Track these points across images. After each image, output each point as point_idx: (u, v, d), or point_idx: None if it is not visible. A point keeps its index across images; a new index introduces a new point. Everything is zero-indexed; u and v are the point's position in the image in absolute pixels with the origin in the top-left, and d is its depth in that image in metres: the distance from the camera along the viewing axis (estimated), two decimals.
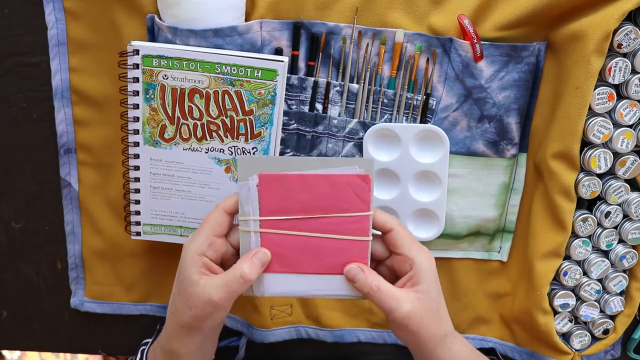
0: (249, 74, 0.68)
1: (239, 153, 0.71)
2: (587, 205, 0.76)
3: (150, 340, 0.73)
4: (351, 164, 0.57)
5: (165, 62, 0.68)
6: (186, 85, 0.68)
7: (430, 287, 0.59)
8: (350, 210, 0.58)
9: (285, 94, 0.72)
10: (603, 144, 0.72)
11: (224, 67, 0.67)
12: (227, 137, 0.71)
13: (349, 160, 0.57)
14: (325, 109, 0.74)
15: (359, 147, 0.74)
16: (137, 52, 0.67)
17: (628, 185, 0.73)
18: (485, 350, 0.80)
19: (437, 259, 0.78)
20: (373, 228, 0.59)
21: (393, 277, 0.62)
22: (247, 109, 0.69)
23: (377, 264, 0.63)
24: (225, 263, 0.61)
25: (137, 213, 0.74)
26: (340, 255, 0.59)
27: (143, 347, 0.72)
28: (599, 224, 0.75)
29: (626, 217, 0.75)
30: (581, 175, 0.72)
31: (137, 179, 0.73)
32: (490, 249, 0.80)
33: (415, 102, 0.73)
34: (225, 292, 0.56)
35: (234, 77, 0.68)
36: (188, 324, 0.59)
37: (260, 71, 0.68)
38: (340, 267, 0.59)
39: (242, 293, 0.58)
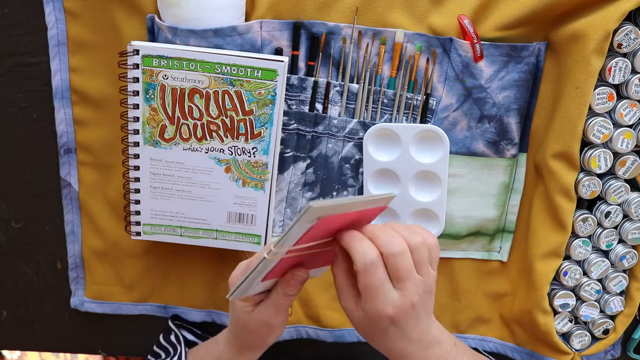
0: (249, 74, 0.68)
1: (239, 153, 0.71)
2: (587, 205, 0.76)
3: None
4: (382, 202, 0.56)
5: (165, 62, 0.68)
6: (186, 85, 0.68)
7: (364, 324, 0.57)
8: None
9: (285, 94, 0.72)
10: (603, 144, 0.72)
11: (224, 67, 0.67)
12: (227, 137, 0.71)
13: (381, 200, 0.56)
14: (325, 109, 0.74)
15: (359, 147, 0.74)
16: (137, 52, 0.67)
17: (628, 185, 0.73)
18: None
19: None
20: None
21: None
22: (247, 109, 0.69)
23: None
24: None
25: (137, 213, 0.74)
26: (322, 258, 0.60)
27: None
28: (599, 224, 0.75)
29: (626, 217, 0.75)
30: (581, 175, 0.72)
31: (137, 179, 0.73)
32: (490, 249, 0.80)
33: (415, 102, 0.73)
34: (274, 309, 0.61)
35: (234, 77, 0.68)
36: (251, 345, 0.66)
37: (260, 71, 0.68)
38: (319, 264, 0.61)
39: (229, 297, 0.60)
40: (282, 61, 0.67)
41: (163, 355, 0.76)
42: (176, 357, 0.73)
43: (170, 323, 0.81)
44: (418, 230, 0.56)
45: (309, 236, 0.56)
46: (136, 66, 0.68)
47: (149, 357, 0.78)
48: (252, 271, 0.57)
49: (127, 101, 0.70)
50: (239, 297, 0.61)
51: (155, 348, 0.80)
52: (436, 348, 0.61)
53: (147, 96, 0.69)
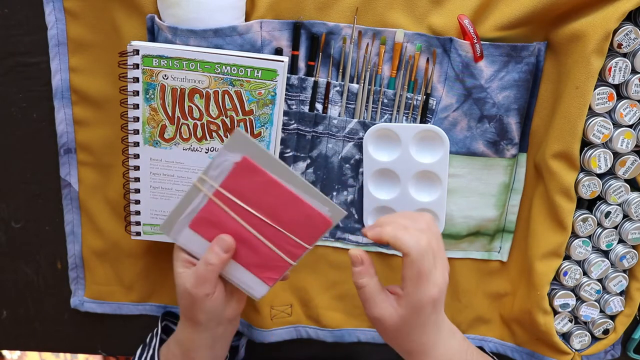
0: (249, 74, 0.68)
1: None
2: (587, 205, 0.76)
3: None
4: (326, 204, 0.58)
5: (165, 62, 0.68)
6: (186, 85, 0.68)
7: (408, 317, 0.59)
8: (297, 235, 0.60)
9: (285, 94, 0.72)
10: (603, 144, 0.72)
11: (224, 67, 0.67)
12: (227, 137, 0.71)
13: (326, 201, 0.58)
14: (325, 109, 0.74)
15: (359, 147, 0.74)
16: (137, 52, 0.67)
17: (628, 185, 0.73)
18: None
19: None
20: (396, 247, 0.59)
21: None
22: (247, 109, 0.69)
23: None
24: None
25: (137, 213, 0.74)
26: (261, 260, 0.62)
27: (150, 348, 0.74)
28: (599, 224, 0.75)
29: (626, 217, 0.75)
30: (581, 175, 0.72)
31: (137, 179, 0.73)
32: (490, 249, 0.80)
33: (415, 102, 0.73)
34: (194, 278, 0.61)
35: (234, 77, 0.68)
36: (185, 316, 0.64)
37: (260, 71, 0.68)
38: (255, 268, 0.62)
39: (161, 230, 0.63)
40: (282, 61, 0.67)
41: (139, 351, 0.76)
42: (151, 351, 0.73)
43: (159, 318, 0.81)
44: (417, 215, 0.61)
45: (236, 185, 0.59)
46: (136, 66, 0.68)
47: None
48: (181, 199, 0.61)
49: (127, 101, 0.70)
50: (167, 233, 0.63)
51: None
52: (457, 335, 0.65)
53: (147, 96, 0.69)
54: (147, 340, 0.77)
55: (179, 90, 0.69)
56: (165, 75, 0.68)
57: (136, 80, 0.69)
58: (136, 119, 0.70)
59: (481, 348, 0.82)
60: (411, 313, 0.59)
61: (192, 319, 0.64)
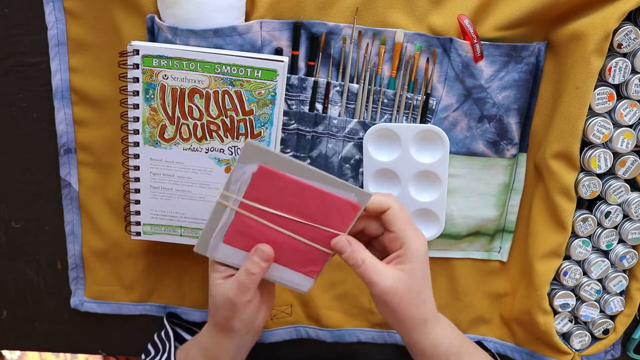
0: (249, 74, 0.68)
1: (239, 153, 0.71)
2: (587, 205, 0.76)
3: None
4: (350, 190, 0.59)
5: (165, 62, 0.68)
6: (186, 85, 0.68)
7: (416, 269, 0.60)
8: (329, 226, 0.60)
9: (285, 94, 0.72)
10: (603, 144, 0.72)
11: (224, 67, 0.67)
12: (227, 137, 0.71)
13: (349, 187, 0.59)
14: (325, 109, 0.74)
15: (359, 147, 0.74)
16: (137, 52, 0.67)
17: (628, 185, 0.73)
18: None
19: (437, 259, 0.79)
20: (369, 209, 0.61)
21: (384, 254, 0.63)
22: (247, 109, 0.69)
23: (370, 239, 0.64)
24: None
25: (137, 213, 0.74)
26: (301, 257, 0.62)
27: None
28: (599, 224, 0.75)
29: (626, 217, 0.75)
30: (581, 175, 0.72)
31: (137, 179, 0.73)
32: (490, 249, 0.80)
33: (415, 102, 0.73)
34: (236, 287, 0.61)
35: (234, 77, 0.68)
36: (219, 324, 0.65)
37: (260, 71, 0.68)
38: (297, 265, 0.63)
39: (196, 250, 0.63)
40: (282, 61, 0.67)
41: (153, 353, 0.76)
42: (166, 354, 0.73)
43: (165, 320, 0.81)
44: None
45: (259, 193, 0.59)
46: (136, 66, 0.68)
47: (142, 356, 0.78)
48: (209, 218, 0.61)
49: (127, 101, 0.70)
50: (203, 252, 0.64)
51: (148, 346, 0.80)
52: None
53: (147, 96, 0.69)
54: (157, 340, 0.77)
55: (179, 90, 0.69)
56: (165, 75, 0.68)
57: (136, 80, 0.69)
58: (136, 119, 0.70)
59: (479, 342, 0.82)
60: (417, 263, 0.59)
61: (226, 327, 0.64)
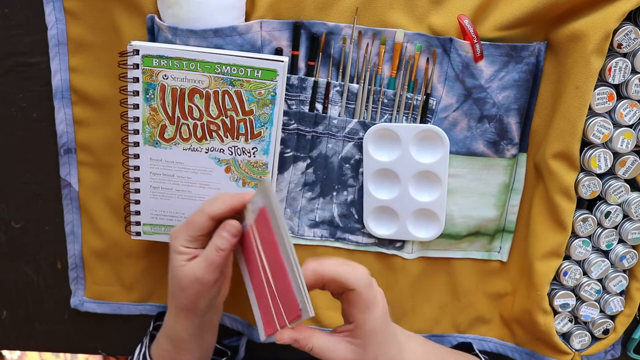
0: (249, 74, 0.68)
1: (239, 153, 0.71)
2: (587, 205, 0.76)
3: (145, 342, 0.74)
4: (298, 294, 0.56)
5: (165, 62, 0.68)
6: (186, 85, 0.68)
7: (367, 344, 0.60)
8: (283, 304, 0.59)
9: (285, 94, 0.72)
10: (603, 144, 0.72)
11: (224, 67, 0.67)
12: (227, 137, 0.71)
13: (299, 291, 0.56)
14: (325, 109, 0.74)
15: (359, 147, 0.74)
16: (137, 52, 0.67)
17: (628, 185, 0.73)
18: (463, 346, 0.81)
19: (437, 259, 0.79)
20: (334, 286, 0.59)
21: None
22: (247, 109, 0.69)
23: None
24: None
25: (137, 213, 0.74)
26: (266, 305, 0.61)
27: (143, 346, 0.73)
28: (599, 224, 0.75)
29: (626, 217, 0.75)
30: (581, 175, 0.72)
31: (137, 179, 0.73)
32: (490, 249, 0.80)
33: (415, 102, 0.73)
34: (205, 265, 0.62)
35: (234, 77, 0.68)
36: (185, 306, 0.64)
37: (260, 71, 0.68)
38: (263, 309, 0.62)
39: None
40: (282, 61, 0.67)
41: (136, 351, 0.76)
42: (144, 348, 0.73)
43: (153, 318, 0.81)
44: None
45: (260, 229, 0.60)
46: (136, 66, 0.68)
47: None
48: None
49: (127, 101, 0.70)
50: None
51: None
52: (417, 338, 0.68)
53: (147, 96, 0.69)
54: (143, 339, 0.77)
55: (179, 90, 0.69)
56: (165, 75, 0.68)
57: (136, 80, 0.69)
58: (136, 119, 0.70)
59: (469, 345, 0.82)
60: (371, 340, 0.60)
61: (191, 308, 0.64)
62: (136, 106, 0.70)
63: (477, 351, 0.79)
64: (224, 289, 0.68)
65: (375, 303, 0.59)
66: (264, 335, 0.63)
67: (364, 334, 0.59)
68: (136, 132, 0.71)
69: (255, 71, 0.68)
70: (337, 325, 0.82)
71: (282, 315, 0.59)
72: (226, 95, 0.69)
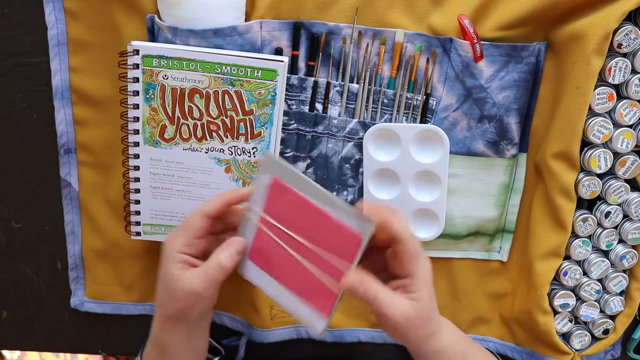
0: (249, 74, 0.68)
1: (239, 153, 0.71)
2: (587, 205, 0.76)
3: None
4: (352, 217, 0.55)
5: (165, 62, 0.68)
6: (186, 85, 0.68)
7: (424, 296, 0.59)
8: (335, 254, 0.57)
9: (285, 94, 0.72)
10: (603, 144, 0.72)
11: (224, 67, 0.67)
12: (227, 137, 0.71)
13: (351, 213, 0.55)
14: (325, 109, 0.74)
15: (359, 147, 0.74)
16: (137, 52, 0.67)
17: (628, 185, 0.73)
18: None
19: (437, 259, 0.79)
20: (382, 234, 0.57)
21: (383, 267, 0.62)
22: (247, 109, 0.69)
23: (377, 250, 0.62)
24: (207, 255, 0.62)
25: (137, 213, 0.74)
26: (311, 286, 0.59)
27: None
28: (599, 224, 0.75)
29: (626, 217, 0.75)
30: (581, 175, 0.72)
31: (137, 179, 0.73)
32: (490, 249, 0.80)
33: (415, 102, 0.73)
34: (205, 281, 0.59)
35: (234, 77, 0.68)
36: (174, 316, 0.63)
37: (260, 71, 0.68)
38: (306, 294, 0.59)
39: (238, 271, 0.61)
40: (282, 61, 0.67)
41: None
42: (139, 356, 0.72)
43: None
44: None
45: (277, 209, 0.58)
46: (136, 66, 0.68)
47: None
48: (238, 231, 0.61)
49: (127, 101, 0.70)
50: (240, 271, 0.63)
51: None
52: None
53: (147, 96, 0.69)
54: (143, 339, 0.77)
55: (179, 90, 0.69)
56: (165, 75, 0.68)
57: (136, 80, 0.69)
58: (136, 119, 0.70)
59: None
60: (424, 291, 0.59)
61: (182, 318, 0.63)
62: (136, 106, 0.70)
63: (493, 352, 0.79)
64: (216, 297, 0.65)
65: (422, 252, 0.59)
66: (323, 324, 0.59)
67: (420, 285, 0.58)
68: (136, 132, 0.71)
69: (255, 71, 0.68)
70: (341, 323, 0.82)
71: (337, 267, 0.56)
72: (226, 95, 0.69)
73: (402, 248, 0.58)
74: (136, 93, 0.69)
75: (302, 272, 0.58)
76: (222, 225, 0.65)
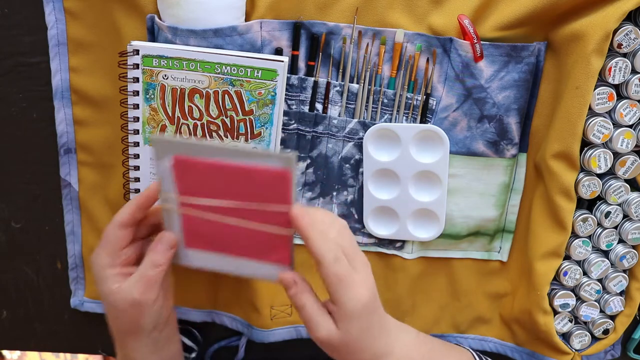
0: (249, 74, 0.68)
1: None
2: (587, 205, 0.76)
3: None
4: (270, 157, 0.52)
5: (165, 62, 0.68)
6: (186, 85, 0.68)
7: (350, 329, 0.55)
8: (271, 202, 0.54)
9: (285, 94, 0.72)
10: (603, 144, 0.72)
11: (224, 67, 0.67)
12: (227, 137, 0.71)
13: (267, 154, 0.53)
14: (325, 109, 0.74)
15: (359, 147, 0.74)
16: (137, 52, 0.67)
17: (628, 185, 0.73)
18: None
19: (437, 259, 0.79)
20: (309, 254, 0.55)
21: None
22: (247, 109, 0.69)
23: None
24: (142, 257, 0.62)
25: None
26: (262, 244, 0.57)
27: None
28: (599, 224, 0.75)
29: (626, 217, 0.75)
30: (581, 175, 0.72)
31: (137, 179, 0.73)
32: (490, 249, 0.80)
33: (415, 102, 0.73)
34: (142, 285, 0.58)
35: (234, 77, 0.68)
36: (127, 330, 0.61)
37: (260, 71, 0.68)
38: (262, 254, 0.57)
39: (173, 261, 0.59)
40: (282, 61, 0.67)
41: None
42: None
43: None
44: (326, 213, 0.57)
45: (188, 185, 0.55)
46: (136, 66, 0.68)
47: None
48: (165, 227, 0.59)
49: (127, 101, 0.70)
50: (178, 263, 0.61)
51: None
52: (409, 330, 0.64)
53: (147, 96, 0.69)
54: None
55: (179, 90, 0.69)
56: (165, 75, 0.68)
57: (136, 80, 0.69)
58: (136, 119, 0.70)
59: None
60: (350, 324, 0.55)
61: (134, 330, 0.61)
62: (136, 106, 0.70)
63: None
64: (168, 303, 0.63)
65: (351, 282, 0.54)
66: (284, 269, 0.57)
67: (344, 317, 0.55)
68: (136, 132, 0.71)
69: (255, 71, 0.68)
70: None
71: (278, 212, 0.53)
72: (226, 95, 0.69)
73: (322, 271, 0.54)
74: (136, 93, 0.69)
75: (245, 234, 0.56)
76: (146, 229, 0.64)
